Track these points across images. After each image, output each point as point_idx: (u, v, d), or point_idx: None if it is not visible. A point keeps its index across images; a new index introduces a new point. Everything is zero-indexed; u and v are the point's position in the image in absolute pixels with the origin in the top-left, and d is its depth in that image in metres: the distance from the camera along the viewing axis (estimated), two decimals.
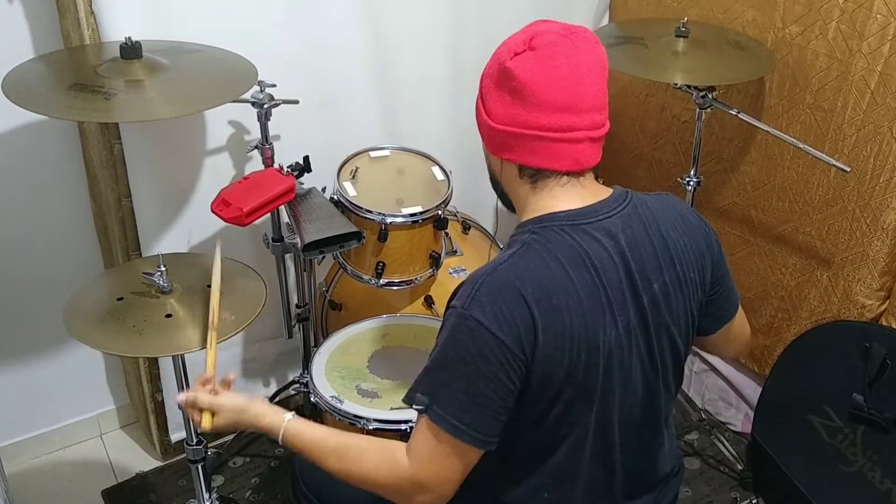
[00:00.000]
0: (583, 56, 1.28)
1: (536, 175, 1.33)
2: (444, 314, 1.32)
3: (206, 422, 1.46)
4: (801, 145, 2.10)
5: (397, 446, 1.33)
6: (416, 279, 2.20)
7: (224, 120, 2.20)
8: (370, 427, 1.85)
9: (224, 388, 1.50)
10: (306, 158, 2.13)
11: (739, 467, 2.53)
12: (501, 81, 1.31)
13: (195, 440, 1.98)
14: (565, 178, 1.33)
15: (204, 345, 1.66)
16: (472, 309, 1.24)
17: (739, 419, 2.68)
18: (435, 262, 2.21)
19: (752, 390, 2.58)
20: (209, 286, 1.80)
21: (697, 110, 2.23)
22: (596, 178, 1.38)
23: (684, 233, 1.40)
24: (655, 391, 1.40)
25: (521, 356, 1.24)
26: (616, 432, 1.39)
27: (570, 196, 1.33)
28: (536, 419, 1.33)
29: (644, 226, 1.36)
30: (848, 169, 2.03)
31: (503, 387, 1.25)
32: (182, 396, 1.49)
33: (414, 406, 1.29)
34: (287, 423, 1.41)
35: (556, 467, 1.38)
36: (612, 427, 1.38)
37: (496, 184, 1.45)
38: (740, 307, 1.55)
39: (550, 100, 1.27)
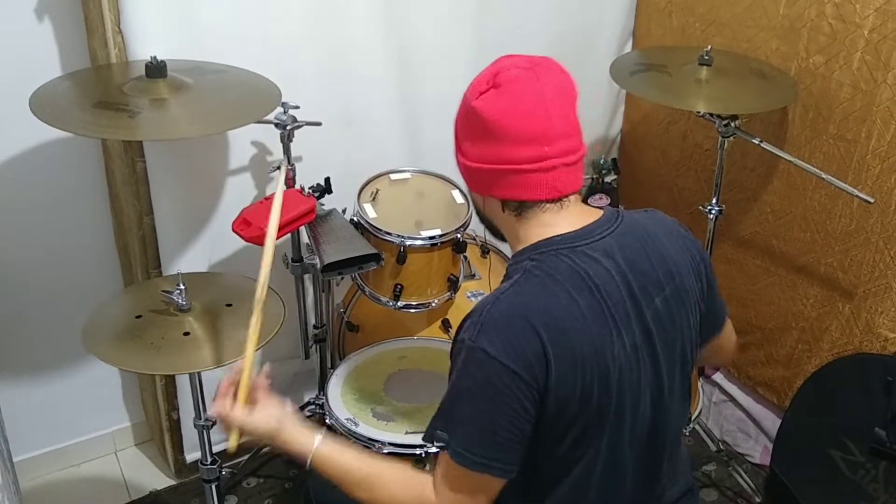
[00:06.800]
0: (546, 86, 1.29)
1: (520, 207, 1.34)
2: (453, 348, 1.32)
3: (233, 442, 1.42)
4: (823, 175, 2.09)
5: (424, 481, 1.34)
6: (433, 302, 2.20)
7: (247, 140, 2.22)
8: (384, 451, 1.85)
9: (261, 387, 1.46)
10: (327, 180, 2.14)
11: (757, 500, 2.50)
12: (470, 122, 1.34)
13: (209, 460, 1.97)
14: (547, 205, 1.33)
15: (220, 363, 1.66)
16: (481, 340, 1.24)
17: (758, 451, 2.65)
18: (453, 285, 2.20)
19: (771, 422, 2.55)
20: (229, 305, 1.80)
21: (720, 139, 2.23)
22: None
23: (678, 244, 1.40)
24: (662, 408, 1.39)
25: (534, 384, 1.24)
26: (626, 452, 1.38)
27: (558, 222, 1.34)
28: (554, 444, 1.33)
29: (640, 243, 1.36)
30: (871, 200, 2.01)
31: (519, 416, 1.25)
32: (215, 411, 1.45)
33: (435, 444, 1.30)
34: (315, 452, 1.40)
35: (569, 489, 1.38)
36: (623, 447, 1.37)
37: (482, 217, 1.48)
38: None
39: (518, 133, 1.28)
